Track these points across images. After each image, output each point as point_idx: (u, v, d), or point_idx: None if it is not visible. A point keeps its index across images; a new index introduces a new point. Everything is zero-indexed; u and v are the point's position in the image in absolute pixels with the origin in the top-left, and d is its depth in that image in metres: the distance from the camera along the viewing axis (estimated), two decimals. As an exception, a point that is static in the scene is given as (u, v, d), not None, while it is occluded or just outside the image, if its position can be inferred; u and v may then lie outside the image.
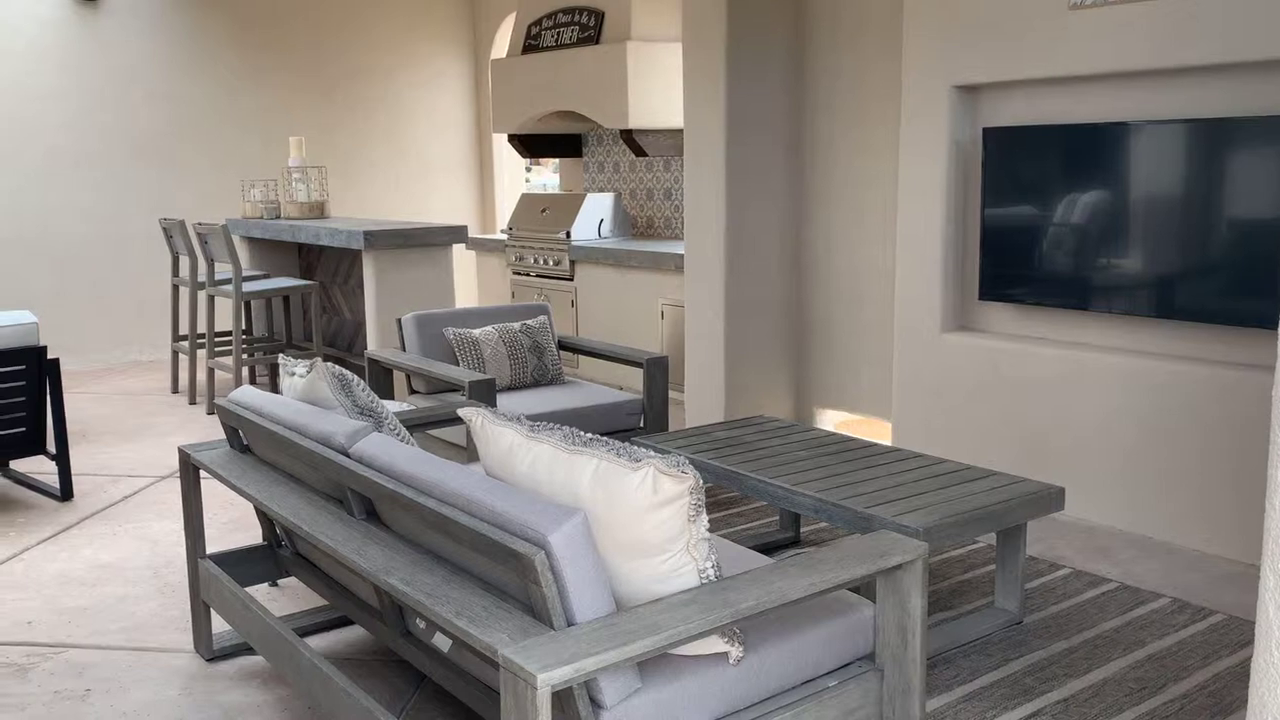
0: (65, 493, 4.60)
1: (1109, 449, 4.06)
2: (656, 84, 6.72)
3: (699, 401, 5.58)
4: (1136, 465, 3.99)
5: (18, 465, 5.10)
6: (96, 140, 7.65)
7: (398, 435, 2.73)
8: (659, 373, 4.38)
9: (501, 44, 9.15)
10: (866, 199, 5.28)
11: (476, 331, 4.43)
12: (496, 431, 2.09)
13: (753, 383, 5.52)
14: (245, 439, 3.01)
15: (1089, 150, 4.02)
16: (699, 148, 5.41)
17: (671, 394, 6.49)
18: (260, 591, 3.55)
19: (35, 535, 4.17)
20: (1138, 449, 3.98)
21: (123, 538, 4.13)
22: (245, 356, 6.80)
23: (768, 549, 3.89)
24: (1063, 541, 3.96)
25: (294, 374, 2.89)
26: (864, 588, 2.69)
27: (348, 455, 2.41)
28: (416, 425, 3.38)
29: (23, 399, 4.41)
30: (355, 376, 2.74)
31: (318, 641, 3.18)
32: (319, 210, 6.92)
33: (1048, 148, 4.16)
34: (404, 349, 4.50)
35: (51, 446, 4.56)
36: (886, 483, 3.18)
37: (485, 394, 3.85)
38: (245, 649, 3.12)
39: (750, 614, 1.91)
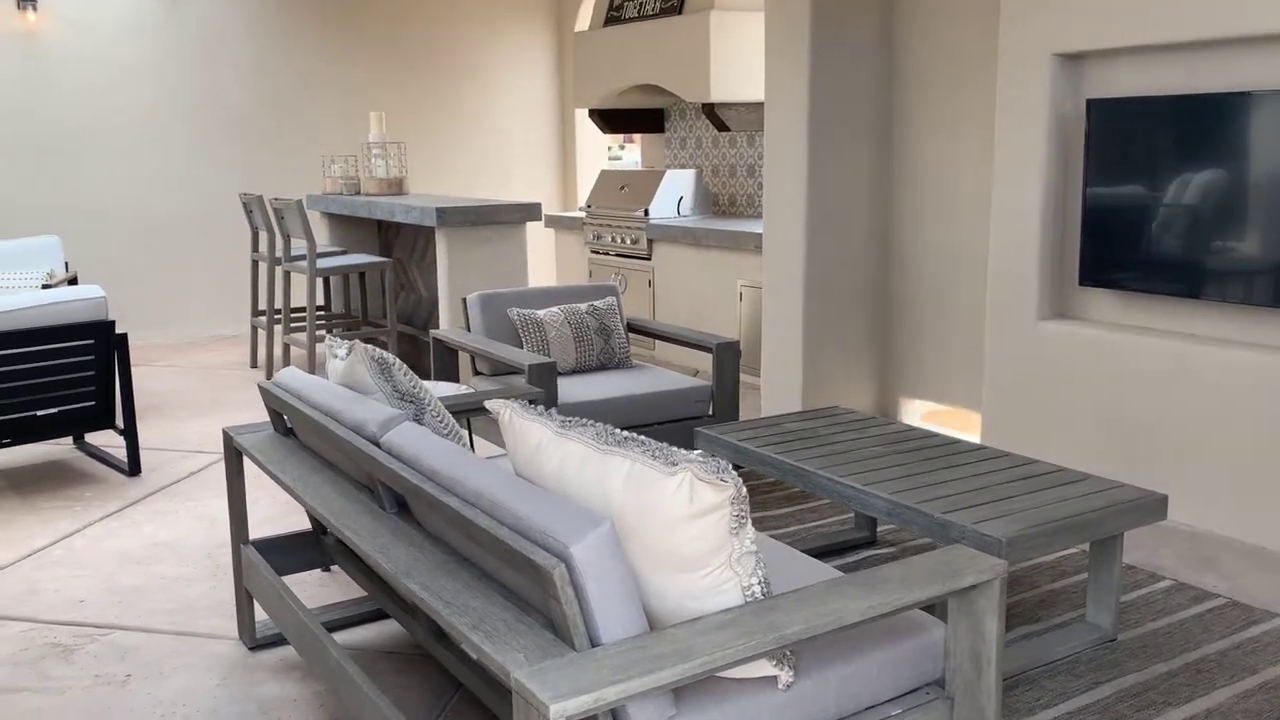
0: (133, 468, 4.60)
1: (1219, 449, 3.72)
2: (740, 55, 6.46)
3: (776, 389, 5.34)
4: (1250, 468, 3.64)
5: (92, 438, 5.14)
6: (183, 115, 7.71)
7: (441, 422, 2.58)
8: (729, 358, 4.17)
9: (586, 16, 8.96)
10: (959, 176, 4.96)
11: (541, 312, 4.27)
12: (525, 427, 1.91)
13: (833, 370, 5.26)
14: (289, 422, 2.89)
15: (1205, 123, 3.66)
16: (780, 121, 5.15)
17: (748, 379, 6.27)
18: (312, 577, 3.47)
19: (100, 510, 4.17)
20: (1252, 450, 3.63)
21: (183, 516, 4.09)
22: (323, 333, 6.78)
23: (840, 549, 3.66)
24: (1165, 549, 3.64)
25: (336, 356, 2.76)
26: (936, 605, 2.45)
27: (379, 445, 2.26)
28: (461, 411, 3.24)
29: (91, 373, 4.41)
30: (397, 360, 2.59)
31: (362, 633, 3.07)
32: (397, 187, 6.85)
33: (1159, 120, 3.80)
34: (469, 329, 4.37)
35: (120, 421, 4.56)
36: (968, 485, 2.92)
37: (546, 377, 3.70)
38: (287, 639, 3.03)
39: (798, 640, 1.70)
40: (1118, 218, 3.97)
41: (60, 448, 5.05)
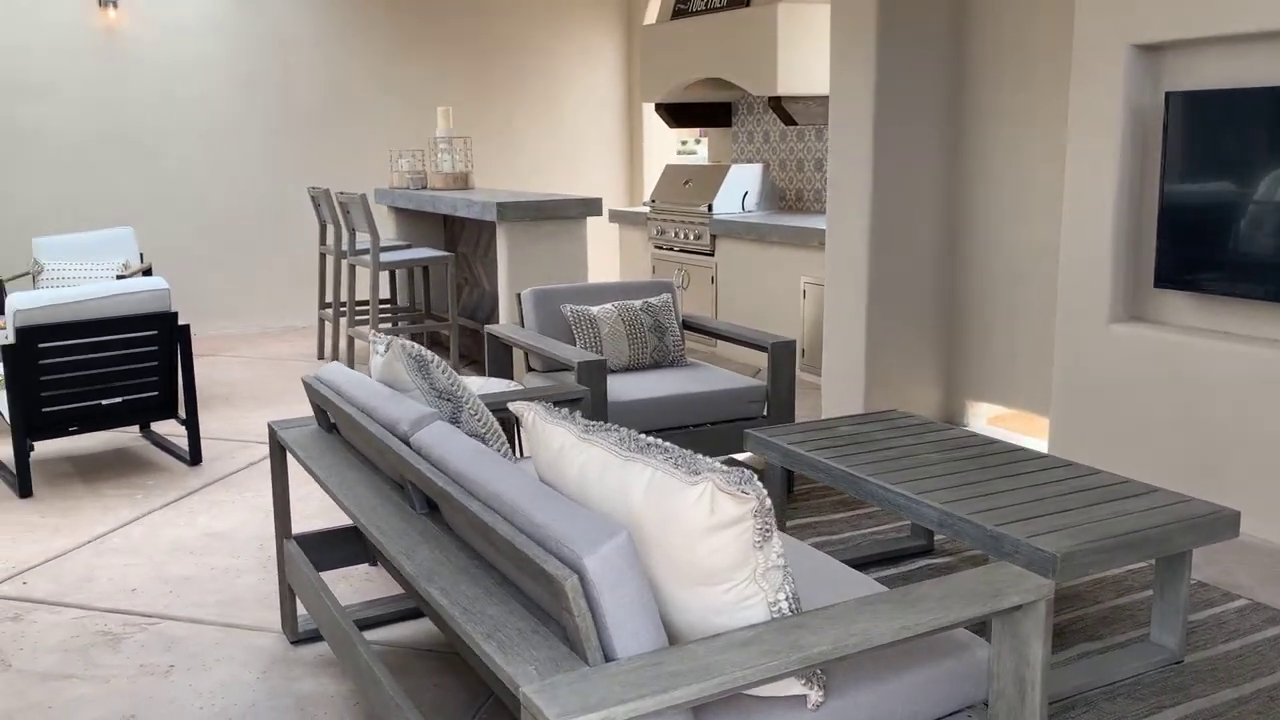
0: (194, 457, 4.67)
1: (1303, 464, 3.52)
2: (808, 48, 6.34)
3: (837, 390, 5.23)
4: (1337, 484, 3.43)
5: (158, 428, 5.23)
6: (256, 110, 7.83)
7: (480, 421, 2.54)
8: (785, 358, 4.07)
9: (654, 10, 8.89)
10: (1031, 173, 4.79)
11: (595, 309, 4.22)
12: (548, 430, 1.86)
13: (897, 370, 5.12)
14: (332, 418, 2.89)
15: (1294, 117, 3.46)
16: (844, 115, 5.02)
17: (812, 379, 6.15)
18: (357, 572, 3.47)
19: (159, 499, 4.23)
20: (1339, 465, 3.42)
21: (239, 506, 4.14)
22: (389, 325, 6.83)
23: (896, 558, 3.55)
24: (1240, 566, 3.46)
25: (377, 352, 2.74)
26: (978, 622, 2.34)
27: (409, 444, 2.23)
28: (503, 409, 3.20)
29: (155, 364, 4.48)
30: (435, 357, 2.56)
31: (404, 629, 3.06)
32: (462, 181, 6.87)
33: (1245, 114, 3.61)
34: (522, 324, 4.34)
35: (182, 412, 4.63)
36: (1026, 495, 2.79)
37: (595, 375, 3.65)
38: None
39: (824, 660, 1.62)
40: (1197, 216, 3.78)
41: (128, 436, 5.15)
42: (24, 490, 4.24)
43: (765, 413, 4.14)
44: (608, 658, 1.61)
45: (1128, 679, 2.72)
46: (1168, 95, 3.82)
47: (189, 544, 3.76)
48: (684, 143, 9.94)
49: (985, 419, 5.24)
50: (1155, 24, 3.81)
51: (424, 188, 6.89)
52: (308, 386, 2.87)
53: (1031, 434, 4.98)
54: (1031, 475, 2.96)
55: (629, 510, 1.70)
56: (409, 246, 6.53)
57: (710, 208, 6.81)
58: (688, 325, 4.56)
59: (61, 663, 2.90)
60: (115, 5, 7.24)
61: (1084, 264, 4.14)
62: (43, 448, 4.96)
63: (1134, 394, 4.01)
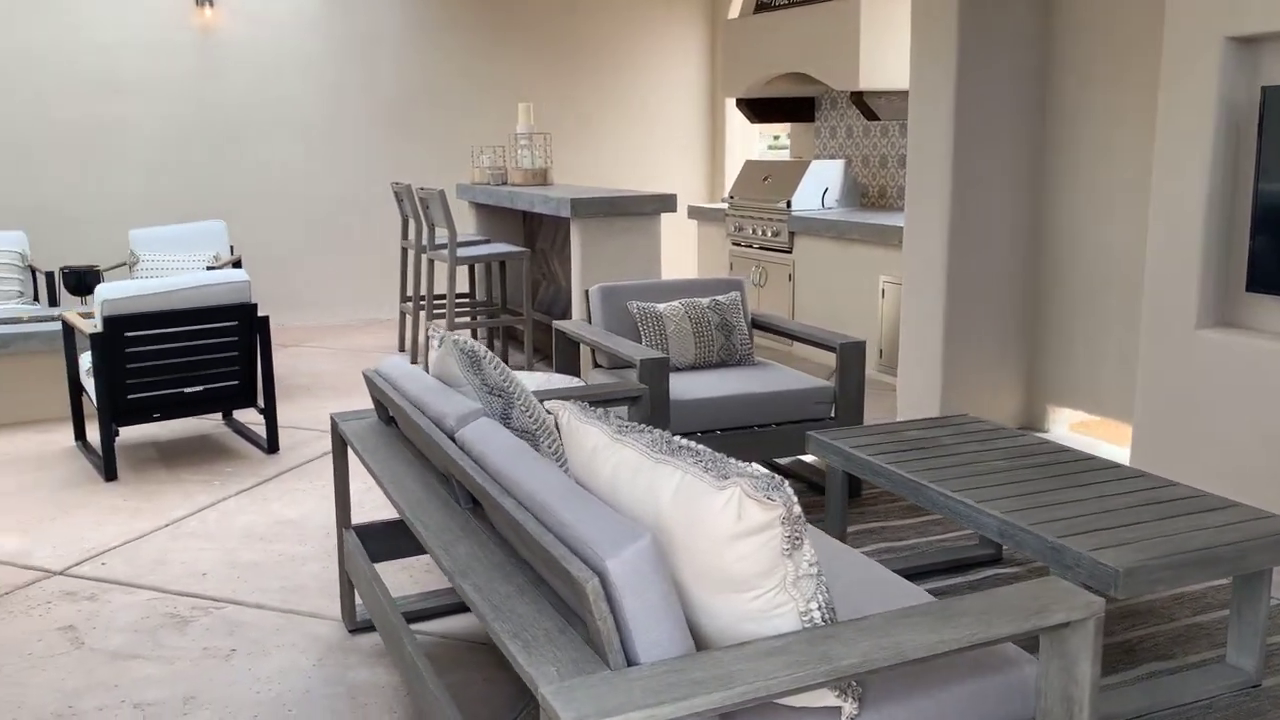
0: (271, 445, 4.78)
1: (1404, 480, 3.31)
2: (891, 42, 6.21)
3: (913, 392, 5.11)
4: None
5: (240, 416, 5.38)
6: (344, 106, 8.00)
7: (531, 417, 2.54)
8: (854, 359, 3.99)
9: (737, 4, 8.82)
10: (1118, 171, 4.61)
11: (661, 306, 4.20)
12: (583, 430, 1.85)
13: (975, 373, 4.99)
14: (390, 411, 2.92)
15: (1400, 112, 3.25)
16: (924, 110, 4.90)
17: (888, 381, 6.04)
18: (419, 562, 3.51)
19: (236, 486, 4.35)
20: None
21: (311, 495, 4.22)
22: (467, 320, 6.92)
23: (962, 566, 3.46)
24: (1333, 588, 3.28)
25: (434, 347, 2.77)
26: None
27: (454, 440, 2.24)
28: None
29: (235, 354, 4.61)
30: (489, 352, 2.57)
31: (461, 621, 3.08)
32: (541, 177, 6.91)
33: (1345, 109, 3.41)
34: (590, 321, 4.35)
35: (260, 401, 4.75)
36: (1094, 506, 2.69)
37: (657, 373, 3.62)
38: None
39: (853, 673, 1.58)
40: (1293, 217, 3.59)
41: (211, 423, 5.31)
42: (109, 474, 4.40)
43: (833, 415, 4.07)
44: (630, 662, 1.59)
45: (1199, 701, 2.60)
46: (1264, 90, 3.64)
47: (260, 530, 3.85)
48: (776, 138, 9.83)
49: (1067, 425, 5.07)
50: (1252, 15, 3.63)
51: (504, 184, 6.95)
52: (368, 379, 2.91)
53: (1115, 442, 4.80)
54: (1102, 485, 2.85)
55: (658, 513, 1.67)
56: (487, 242, 6.60)
57: (789, 204, 6.73)
58: (757, 324, 4.50)
59: (130, 642, 2.99)
60: (211, 4, 7.46)
61: (1172, 266, 3.97)
62: (128, 433, 5.14)
63: (1221, 403, 3.83)
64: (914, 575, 3.38)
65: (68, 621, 3.12)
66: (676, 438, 1.75)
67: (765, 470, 1.64)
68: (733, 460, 1.68)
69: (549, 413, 2.13)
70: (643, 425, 1.79)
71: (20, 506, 4.10)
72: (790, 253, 6.75)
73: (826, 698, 1.75)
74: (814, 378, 4.15)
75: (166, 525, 3.91)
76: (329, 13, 7.84)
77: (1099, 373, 4.77)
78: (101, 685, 2.76)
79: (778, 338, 6.80)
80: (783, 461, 4.52)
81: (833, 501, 3.32)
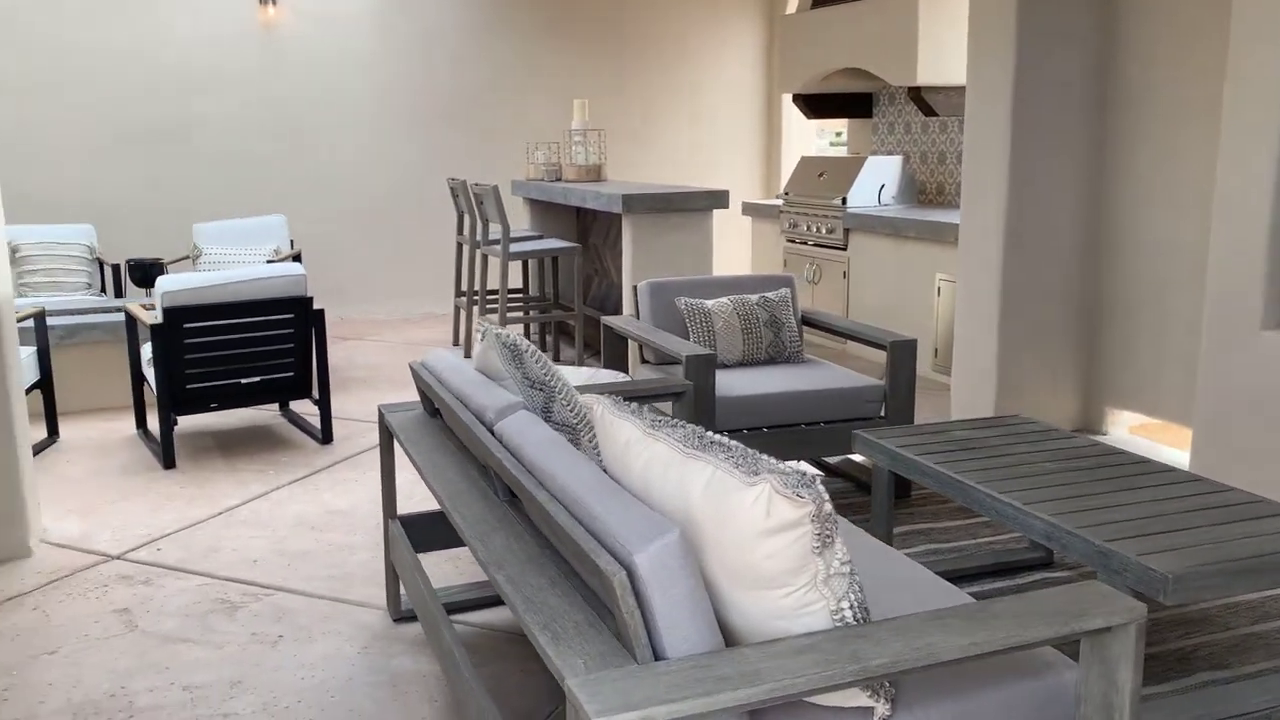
0: (325, 436, 4.86)
1: None
2: (949, 36, 6.12)
3: (967, 392, 5.04)
4: None
5: (296, 407, 5.47)
6: (402, 102, 8.09)
7: (573, 412, 2.55)
8: (905, 358, 3.94)
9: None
10: (1183, 167, 4.49)
11: (710, 303, 4.19)
12: (616, 424, 1.85)
13: (1032, 374, 4.90)
14: (435, 403, 2.95)
15: None
16: (981, 106, 4.82)
17: (943, 380, 5.96)
18: (467, 553, 3.54)
19: (289, 475, 4.43)
20: None
21: (361, 485, 4.28)
22: (520, 314, 6.96)
23: (1012, 569, 3.40)
24: (1400, 600, 3.16)
25: (478, 340, 2.78)
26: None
27: (493, 432, 2.26)
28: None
29: (290, 345, 4.69)
30: (531, 346, 2.58)
31: (503, 613, 3.10)
32: (595, 174, 6.92)
33: None
34: (638, 316, 4.35)
35: (315, 392, 4.83)
36: (1146, 511, 2.62)
37: (703, 370, 3.61)
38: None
39: (883, 673, 1.56)
40: (1364, 216, 3.46)
41: (268, 413, 5.41)
42: (168, 462, 4.50)
43: (883, 414, 4.03)
44: (658, 656, 1.59)
45: (1256, 712, 2.52)
46: (1335, 83, 3.52)
47: (311, 519, 3.92)
48: (837, 134, 9.73)
49: (1127, 428, 4.96)
50: (1323, 6, 3.51)
51: (558, 180, 6.98)
52: (414, 372, 2.94)
53: (1175, 446, 4.69)
54: (1155, 489, 2.78)
55: (688, 508, 1.67)
56: (540, 237, 6.63)
57: (844, 200, 6.66)
58: (807, 321, 4.47)
59: (181, 627, 3.06)
60: (274, 2, 7.59)
61: (1236, 265, 3.86)
62: (187, 422, 5.26)
63: (1287, 406, 3.71)
64: (960, 577, 3.33)
65: (123, 605, 3.20)
66: (709, 433, 1.74)
67: (798, 467, 1.62)
68: (765, 457, 1.67)
69: (589, 407, 2.13)
70: (676, 420, 1.79)
71: (83, 492, 4.22)
72: (845, 250, 6.69)
73: (858, 697, 1.73)
74: (863, 376, 4.11)
75: (220, 513, 3.99)
76: (387, 9, 7.94)
77: (1160, 374, 4.66)
78: (153, 667, 2.82)
79: (832, 336, 6.75)
80: (831, 460, 4.48)
81: (878, 501, 3.28)
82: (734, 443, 1.70)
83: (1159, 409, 4.69)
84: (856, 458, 4.53)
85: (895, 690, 1.76)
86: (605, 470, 1.91)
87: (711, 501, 1.63)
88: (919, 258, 6.07)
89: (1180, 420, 4.60)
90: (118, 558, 3.56)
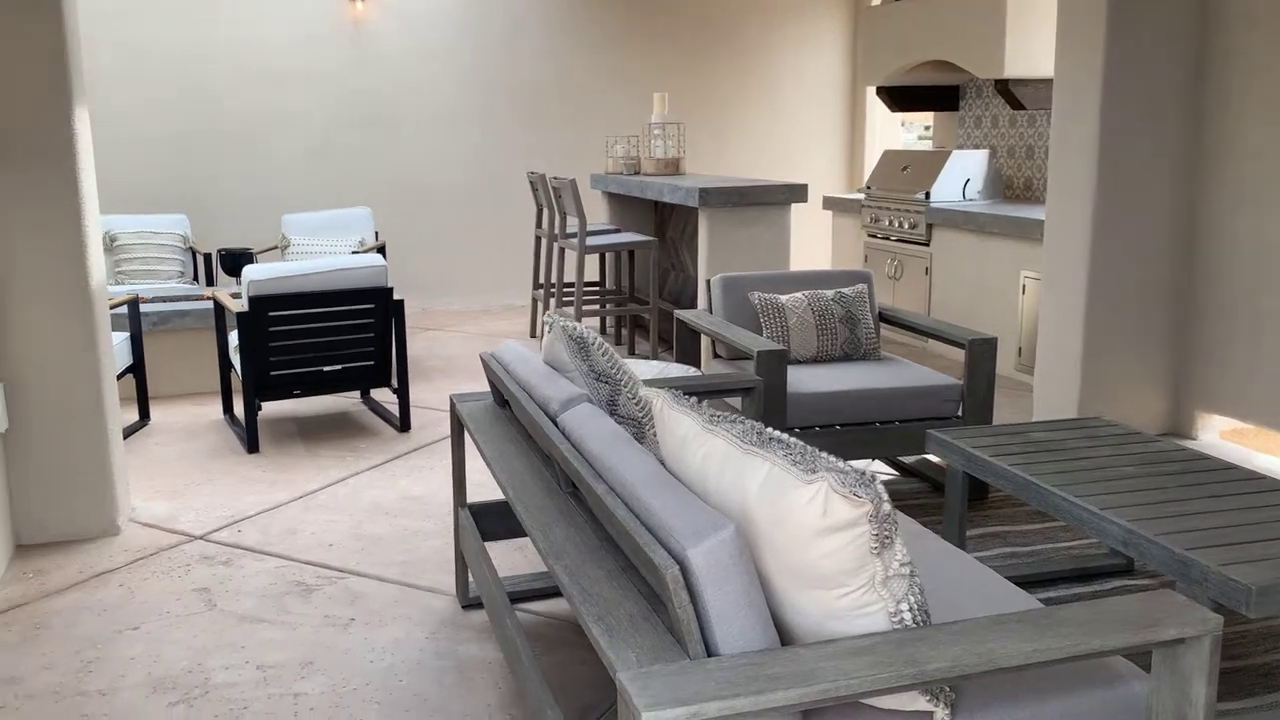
0: (403, 424, 4.95)
1: None
2: (1038, 27, 5.96)
3: (1050, 393, 4.91)
4: None
5: (377, 395, 5.58)
6: (484, 96, 8.18)
7: (638, 405, 2.56)
8: (984, 356, 3.86)
9: (882, -9, 8.62)
10: (1282, 162, 4.31)
11: (784, 298, 4.15)
12: (674, 418, 1.84)
13: (1118, 375, 4.75)
14: (503, 393, 2.98)
15: None
16: (1069, 97, 4.69)
17: (1025, 379, 5.82)
18: (530, 542, 3.57)
19: (367, 461, 4.52)
20: None
21: (437, 473, 4.35)
22: (596, 307, 6.99)
23: (1089, 575, 3.31)
24: None
25: (547, 332, 2.80)
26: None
27: (556, 424, 2.27)
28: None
29: (371, 335, 4.78)
30: (598, 338, 2.59)
31: (564, 603, 3.12)
32: (674, 167, 6.91)
33: None
34: (710, 310, 4.33)
35: (394, 381, 4.91)
36: (1230, 519, 2.52)
37: (775, 366, 3.58)
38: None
39: (940, 678, 1.53)
40: None
41: (349, 401, 5.53)
42: (251, 446, 4.63)
43: (960, 413, 3.95)
44: (711, 652, 1.58)
45: (1344, 734, 2.42)
46: None
47: (387, 505, 3.99)
48: (926, 128, 9.55)
49: (1217, 433, 4.78)
50: None
51: (636, 173, 6.99)
52: (484, 362, 2.97)
53: (1270, 452, 4.50)
54: (1242, 497, 2.67)
55: (744, 505, 1.65)
56: (617, 231, 6.65)
57: (928, 195, 6.54)
58: (885, 318, 4.40)
59: (258, 607, 3.14)
60: (363, -1, 7.74)
61: (1338, 265, 3.69)
62: (271, 408, 5.39)
63: (1391, 414, 3.54)
64: (1035, 583, 3.25)
65: (203, 584, 3.30)
66: (769, 429, 1.73)
67: (859, 466, 1.60)
68: (824, 454, 1.65)
69: (649, 401, 2.13)
70: (735, 415, 1.77)
71: (171, 473, 4.36)
72: (928, 245, 6.57)
73: (917, 701, 1.70)
74: (940, 374, 4.03)
75: (300, 497, 4.09)
76: (472, 4, 8.03)
77: (1253, 378, 4.48)
78: (229, 646, 2.91)
79: (913, 334, 6.64)
80: (907, 460, 4.41)
81: (952, 502, 3.22)
82: (793, 440, 1.68)
83: (1252, 413, 4.51)
84: (933, 458, 4.45)
85: (956, 695, 1.73)
86: (664, 465, 1.91)
87: (768, 499, 1.61)
88: (1003, 254, 5.93)
89: (1275, 426, 4.41)
90: (200, 538, 3.68)
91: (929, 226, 6.54)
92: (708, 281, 4.32)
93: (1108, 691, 1.79)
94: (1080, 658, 1.60)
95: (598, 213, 8.29)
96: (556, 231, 6.49)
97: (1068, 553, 3.49)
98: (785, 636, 1.71)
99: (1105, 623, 1.66)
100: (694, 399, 1.90)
